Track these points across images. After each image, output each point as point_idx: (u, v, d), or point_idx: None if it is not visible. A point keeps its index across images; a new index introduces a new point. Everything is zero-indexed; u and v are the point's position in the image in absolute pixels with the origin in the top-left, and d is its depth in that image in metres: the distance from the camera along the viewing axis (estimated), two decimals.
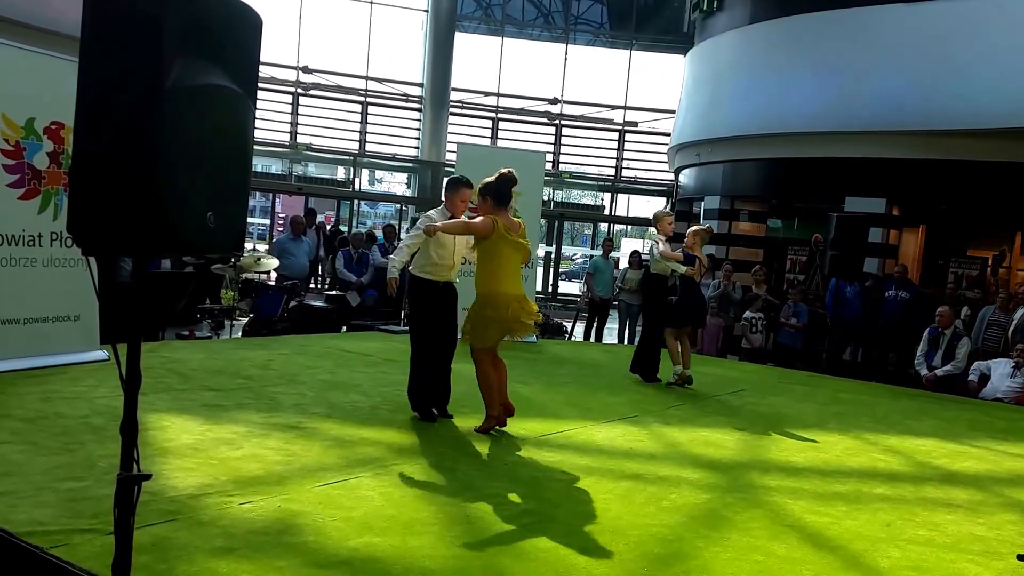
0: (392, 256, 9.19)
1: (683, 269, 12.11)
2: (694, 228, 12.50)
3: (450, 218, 8.75)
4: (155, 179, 3.67)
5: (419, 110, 31.09)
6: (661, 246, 11.99)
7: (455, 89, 31.27)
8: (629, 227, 35.85)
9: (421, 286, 8.81)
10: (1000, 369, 13.59)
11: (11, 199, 9.15)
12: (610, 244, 22.07)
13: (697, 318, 12.64)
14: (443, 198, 9.04)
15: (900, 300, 16.74)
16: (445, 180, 9.28)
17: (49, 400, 8.14)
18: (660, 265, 12.02)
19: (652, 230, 12.84)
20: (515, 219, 8.60)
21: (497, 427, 8.52)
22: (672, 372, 12.07)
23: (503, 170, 8.46)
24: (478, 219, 8.32)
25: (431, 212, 9.04)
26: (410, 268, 8.91)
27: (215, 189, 4.03)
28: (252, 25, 4.24)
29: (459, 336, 8.83)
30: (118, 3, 3.74)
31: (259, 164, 29.19)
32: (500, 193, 8.38)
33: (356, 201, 31.63)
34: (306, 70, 29.92)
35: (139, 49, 3.68)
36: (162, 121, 3.67)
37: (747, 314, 17.21)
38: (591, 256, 27.40)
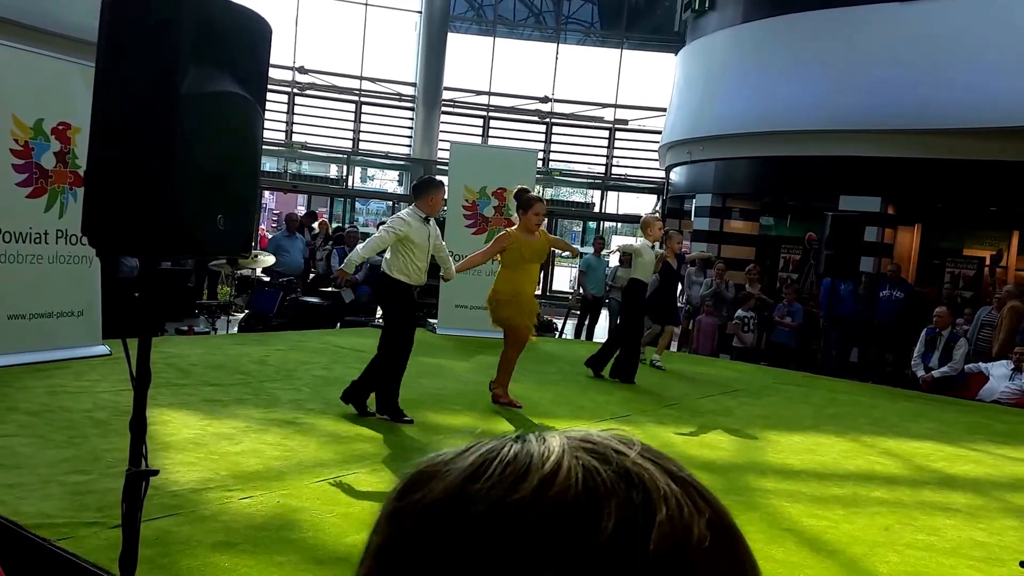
0: (358, 247, 9.23)
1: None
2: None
3: (425, 218, 8.81)
4: (169, 183, 3.75)
5: (412, 109, 31.10)
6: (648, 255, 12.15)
7: (447, 88, 31.26)
8: (619, 224, 35.81)
9: (400, 289, 8.80)
10: (998, 371, 13.58)
11: (19, 197, 9.26)
12: (601, 242, 22.06)
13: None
14: (419, 200, 8.88)
15: (895, 300, 16.77)
16: (417, 180, 9.30)
17: (54, 394, 8.21)
18: (643, 270, 12.02)
19: (634, 240, 12.89)
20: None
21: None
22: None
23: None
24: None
25: (402, 213, 8.98)
26: (386, 270, 8.88)
27: (225, 192, 4.10)
28: (261, 33, 4.31)
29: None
30: (134, 12, 3.79)
31: None
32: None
33: (346, 199, 31.62)
34: (302, 70, 29.93)
35: (155, 57, 3.76)
36: (176, 127, 3.74)
37: (739, 313, 17.20)
38: (582, 254, 27.44)
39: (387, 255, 8.91)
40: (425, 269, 8.91)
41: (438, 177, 9.28)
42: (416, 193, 9.02)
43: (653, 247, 12.22)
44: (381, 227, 9.13)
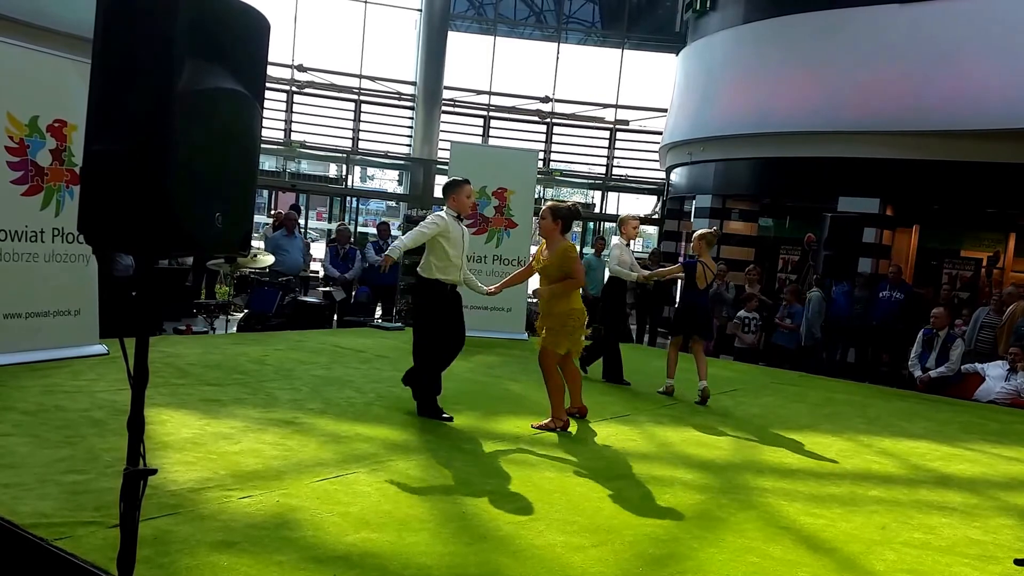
0: (403, 237, 9.22)
1: (634, 277, 12.03)
2: (699, 232, 11.87)
3: (456, 217, 9.04)
4: (166, 180, 3.72)
5: (412, 108, 31.05)
6: (616, 252, 12.01)
7: (447, 87, 31.19)
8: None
9: (433, 288, 8.93)
10: (994, 371, 13.61)
11: (14, 195, 9.20)
12: (602, 243, 22.08)
13: (696, 326, 11.72)
14: (449, 200, 9.13)
15: (894, 301, 16.78)
16: (444, 183, 9.34)
17: (50, 393, 8.19)
18: (618, 268, 11.98)
19: (615, 238, 12.63)
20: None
21: (566, 425, 9.05)
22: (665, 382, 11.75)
23: (577, 199, 8.95)
24: (575, 265, 9.08)
25: (440, 214, 9.09)
26: (419, 270, 9.05)
27: (223, 190, 4.08)
28: (260, 29, 4.28)
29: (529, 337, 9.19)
30: (130, 8, 3.77)
31: None
32: (569, 222, 9.14)
33: (347, 198, 31.53)
34: (301, 68, 29.88)
35: (151, 52, 3.72)
36: (173, 123, 3.71)
37: (741, 313, 17.19)
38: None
39: (424, 257, 9.04)
40: (461, 267, 9.04)
41: (461, 177, 9.22)
42: (444, 194, 9.23)
43: (628, 245, 12.18)
44: (420, 223, 9.17)
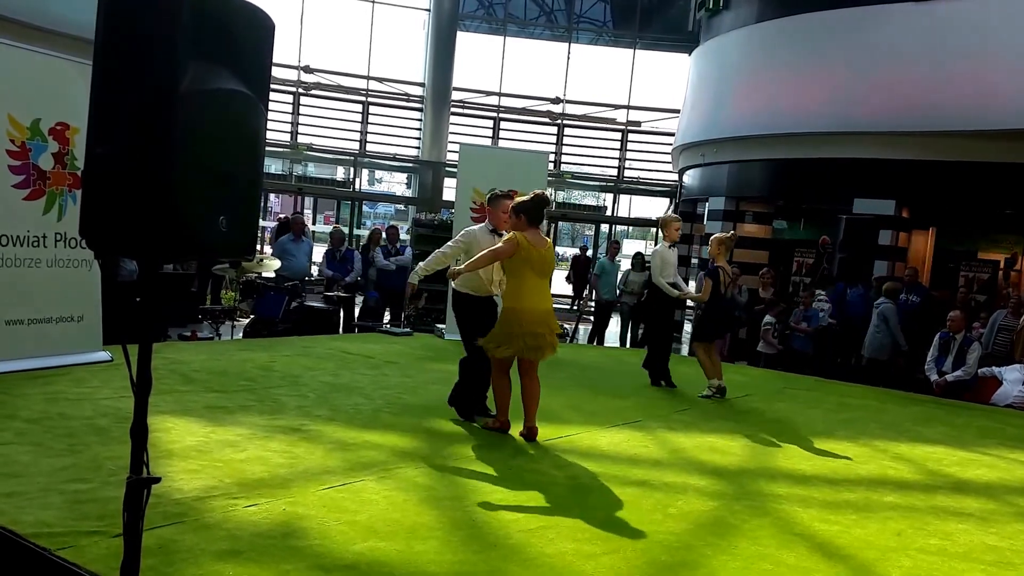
0: (420, 263, 9.44)
1: (675, 294, 11.92)
2: (717, 236, 11.92)
3: (492, 231, 9.06)
4: (169, 182, 3.67)
5: (420, 110, 31.06)
6: (661, 256, 11.87)
7: (456, 89, 31.24)
8: (631, 228, 35.79)
9: (465, 301, 9.10)
10: (1012, 375, 13.50)
11: (16, 200, 9.15)
12: (616, 246, 22.06)
13: (723, 330, 12.06)
14: (488, 213, 9.31)
15: (911, 304, 16.66)
16: (487, 196, 9.52)
17: (54, 401, 8.14)
18: (660, 281, 11.86)
19: (659, 244, 12.46)
20: (545, 237, 8.85)
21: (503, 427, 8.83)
22: (707, 385, 11.71)
23: (538, 191, 8.78)
24: (500, 244, 8.54)
25: (472, 229, 9.29)
26: (455, 284, 9.20)
27: (227, 193, 4.01)
28: (264, 29, 4.22)
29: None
30: (133, 7, 3.71)
31: None
32: (534, 213, 8.58)
33: (354, 201, 31.54)
34: (307, 70, 29.90)
35: (154, 53, 3.67)
36: (176, 125, 3.66)
37: (767, 318, 16.94)
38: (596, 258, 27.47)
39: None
40: (491, 282, 9.08)
41: (505, 190, 9.32)
42: (487, 207, 9.40)
43: (672, 247, 12.06)
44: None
